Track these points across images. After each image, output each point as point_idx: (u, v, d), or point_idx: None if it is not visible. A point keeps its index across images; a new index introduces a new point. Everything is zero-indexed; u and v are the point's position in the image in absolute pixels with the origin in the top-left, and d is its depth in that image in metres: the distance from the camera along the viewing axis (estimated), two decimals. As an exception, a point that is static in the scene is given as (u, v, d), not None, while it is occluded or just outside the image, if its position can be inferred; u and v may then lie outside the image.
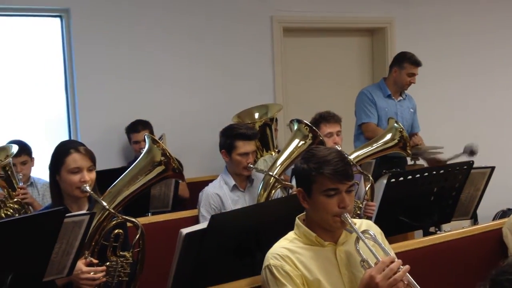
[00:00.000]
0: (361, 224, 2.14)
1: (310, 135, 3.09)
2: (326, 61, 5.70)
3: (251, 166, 3.17)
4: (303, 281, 1.98)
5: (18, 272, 1.91)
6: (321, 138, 3.08)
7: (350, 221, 1.97)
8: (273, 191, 3.08)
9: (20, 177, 3.59)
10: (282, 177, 3.15)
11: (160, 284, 2.46)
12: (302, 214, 2.13)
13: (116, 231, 2.45)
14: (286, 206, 2.47)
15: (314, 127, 3.13)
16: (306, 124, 3.13)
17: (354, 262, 2.04)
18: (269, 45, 5.24)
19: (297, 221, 2.10)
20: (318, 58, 5.65)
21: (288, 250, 2.02)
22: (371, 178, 3.33)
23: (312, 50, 5.65)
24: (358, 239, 1.96)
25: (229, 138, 3.20)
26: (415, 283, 1.84)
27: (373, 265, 1.89)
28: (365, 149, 3.43)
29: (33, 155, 3.94)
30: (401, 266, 1.83)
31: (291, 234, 2.10)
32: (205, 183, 3.51)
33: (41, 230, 1.94)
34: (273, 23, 5.22)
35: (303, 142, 3.12)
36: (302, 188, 2.05)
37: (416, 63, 4.56)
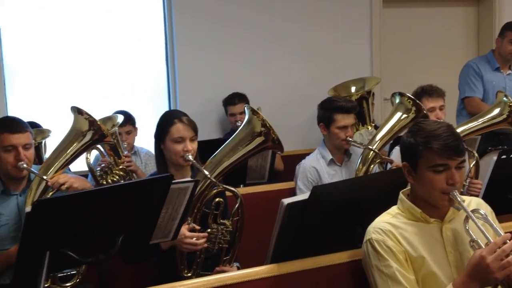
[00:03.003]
0: (470, 202, 2.04)
1: (413, 108, 2.98)
2: (427, 33, 5.47)
3: (350, 139, 3.11)
4: (406, 257, 1.93)
5: (127, 234, 2.01)
6: (425, 112, 2.96)
7: (459, 199, 1.89)
8: (372, 166, 3.01)
9: (125, 145, 3.75)
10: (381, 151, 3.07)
11: (258, 253, 2.49)
12: (406, 189, 2.07)
13: (217, 199, 2.52)
14: (389, 180, 2.41)
15: (418, 101, 3.01)
16: (409, 97, 3.01)
17: (461, 241, 1.96)
18: (367, 16, 5.10)
19: (401, 195, 2.04)
20: (419, 29, 5.44)
21: (391, 225, 1.97)
22: (476, 154, 3.18)
23: (413, 21, 5.44)
24: (467, 218, 1.87)
25: (327, 111, 3.16)
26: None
27: (483, 246, 1.80)
28: (470, 124, 3.26)
29: (137, 125, 4.11)
30: (514, 247, 1.73)
31: (394, 209, 2.05)
32: (300, 156, 3.51)
33: (150, 195, 2.03)
34: (372, -8, 5.07)
35: (406, 116, 3.01)
36: (408, 163, 1.98)
37: None
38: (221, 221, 2.53)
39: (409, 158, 1.98)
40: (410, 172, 1.98)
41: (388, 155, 3.36)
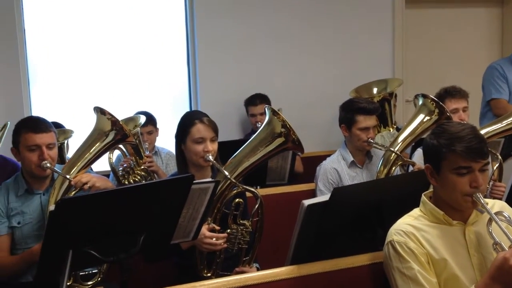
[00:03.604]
0: (493, 204, 2.01)
1: (436, 111, 2.95)
2: (450, 34, 5.42)
3: (371, 141, 3.09)
4: (428, 259, 1.91)
5: (149, 233, 2.02)
6: (448, 114, 2.93)
7: (482, 201, 1.86)
8: (393, 168, 2.99)
9: (146, 146, 3.78)
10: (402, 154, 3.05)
11: (277, 254, 2.49)
12: (428, 191, 2.05)
13: (237, 200, 2.52)
14: (411, 183, 2.39)
15: (441, 103, 2.98)
16: (433, 99, 2.98)
17: (485, 244, 1.93)
18: (389, 16, 5.07)
19: (423, 198, 2.02)
20: (441, 30, 5.38)
21: (413, 227, 1.95)
22: (499, 157, 3.13)
23: (436, 22, 5.39)
24: (491, 220, 1.85)
25: (349, 112, 3.14)
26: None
27: (506, 249, 1.77)
28: (494, 126, 3.21)
29: (158, 126, 4.13)
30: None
31: (416, 211, 2.03)
32: (320, 158, 3.50)
33: (171, 195, 2.04)
34: (395, -7, 5.03)
35: (428, 118, 2.97)
36: (431, 165, 1.96)
37: None
38: (241, 221, 2.53)
39: (432, 160, 1.96)
40: (433, 174, 1.96)
41: (410, 158, 3.33)
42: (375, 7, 5.05)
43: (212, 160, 2.53)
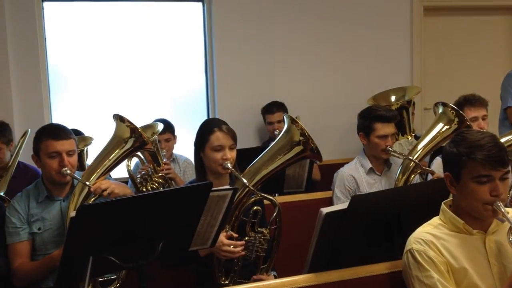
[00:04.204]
0: (514, 213, 1.99)
1: (456, 119, 2.93)
2: (469, 42, 5.39)
3: (390, 149, 3.08)
4: (448, 268, 1.90)
5: (167, 240, 2.03)
6: (468, 123, 2.91)
7: (503, 210, 1.84)
8: (412, 176, 2.98)
9: (164, 153, 3.81)
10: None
11: (295, 262, 2.48)
12: (448, 199, 2.04)
13: (255, 207, 2.52)
14: (430, 191, 2.37)
15: (461, 112, 2.96)
16: (452, 108, 2.96)
17: (505, 253, 1.92)
18: (408, 25, 5.06)
19: (443, 206, 2.01)
20: (460, 38, 5.35)
21: (432, 235, 1.94)
22: (520, 166, 3.09)
23: (454, 30, 5.36)
24: (511, 229, 1.83)
25: (367, 120, 3.13)
26: None
27: (527, 258, 1.76)
28: (514, 135, 3.18)
29: (176, 133, 4.16)
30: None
31: (435, 220, 2.02)
32: (338, 166, 3.49)
33: (190, 202, 2.05)
34: (413, 1, 5.02)
35: (448, 126, 2.96)
36: (450, 173, 1.95)
37: None
38: (258, 229, 2.53)
39: (451, 169, 1.95)
40: (453, 183, 1.95)
41: (429, 166, 3.30)
42: (393, 15, 5.05)
43: (230, 167, 2.53)
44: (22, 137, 3.78)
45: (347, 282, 2.13)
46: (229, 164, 2.54)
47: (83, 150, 3.85)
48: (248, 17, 4.77)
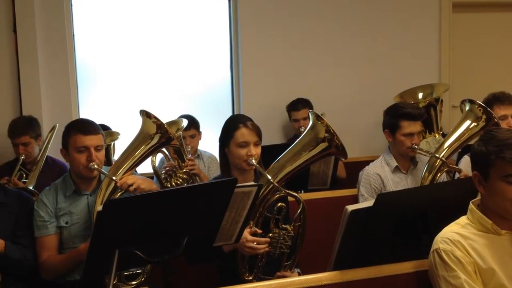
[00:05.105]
0: (545, 214, 1.94)
1: (484, 117, 2.88)
2: (498, 38, 5.29)
3: (416, 147, 3.04)
4: (475, 269, 1.87)
5: (192, 235, 2.05)
6: (496, 120, 2.85)
7: (533, 210, 1.81)
8: (438, 174, 2.93)
9: (189, 149, 3.82)
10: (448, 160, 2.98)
11: (319, 259, 2.47)
12: (476, 199, 2.00)
13: (279, 204, 2.52)
14: (457, 190, 2.34)
15: (489, 109, 2.90)
16: (480, 105, 2.91)
17: (534, 254, 1.87)
18: (436, 21, 4.99)
19: (471, 206, 1.98)
20: (489, 35, 5.26)
21: (459, 235, 1.91)
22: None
23: (484, 26, 5.27)
24: (541, 230, 1.79)
25: (393, 117, 3.10)
26: None
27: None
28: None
29: (200, 129, 4.17)
30: None
31: (463, 219, 1.99)
32: (363, 163, 3.46)
33: (214, 198, 2.06)
34: (441, -3, 4.95)
35: (475, 124, 2.91)
36: (479, 172, 1.92)
37: None
38: (283, 226, 2.53)
39: (480, 167, 1.92)
40: (481, 182, 1.92)
41: (456, 164, 3.26)
42: (421, 11, 4.98)
43: (255, 164, 2.53)
44: (50, 132, 3.85)
45: (372, 280, 2.11)
46: (253, 161, 2.54)
47: (110, 145, 3.89)
48: (274, 14, 4.76)
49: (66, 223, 2.63)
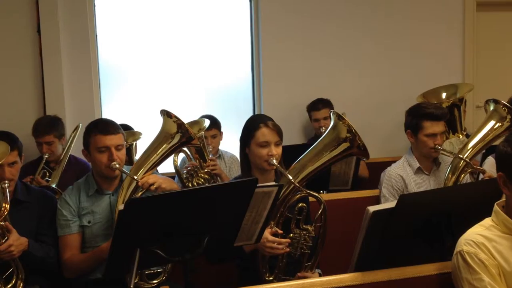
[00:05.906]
0: None
1: (509, 117, 2.84)
2: (524, 38, 5.19)
3: (439, 147, 3.00)
4: (499, 271, 1.84)
5: (213, 235, 2.05)
6: (521, 120, 2.81)
7: (558, 213, 1.77)
8: (462, 176, 2.89)
9: (210, 149, 3.83)
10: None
11: (340, 260, 2.46)
12: (501, 200, 1.97)
13: (300, 204, 2.51)
14: (481, 191, 2.30)
15: (513, 109, 2.86)
16: (505, 105, 2.86)
17: (560, 258, 1.83)
18: (460, 20, 4.93)
19: (496, 207, 1.94)
20: (514, 34, 5.17)
21: (484, 237, 1.88)
22: None
23: (508, 25, 5.19)
24: None
25: (415, 117, 3.06)
26: None
27: None
28: None
29: (222, 130, 4.18)
30: None
31: (487, 221, 1.95)
32: (385, 164, 3.43)
33: (235, 198, 2.06)
34: (465, -4, 4.89)
35: (500, 124, 2.87)
36: (504, 173, 1.88)
37: None
38: (303, 226, 2.51)
39: (505, 169, 1.88)
40: (506, 183, 1.88)
41: (481, 165, 3.21)
42: (445, 10, 4.92)
43: (276, 164, 2.52)
44: (73, 131, 3.90)
45: (394, 282, 2.09)
46: (274, 161, 2.53)
47: (132, 144, 3.92)
48: (295, 14, 4.75)
49: (89, 222, 2.65)
